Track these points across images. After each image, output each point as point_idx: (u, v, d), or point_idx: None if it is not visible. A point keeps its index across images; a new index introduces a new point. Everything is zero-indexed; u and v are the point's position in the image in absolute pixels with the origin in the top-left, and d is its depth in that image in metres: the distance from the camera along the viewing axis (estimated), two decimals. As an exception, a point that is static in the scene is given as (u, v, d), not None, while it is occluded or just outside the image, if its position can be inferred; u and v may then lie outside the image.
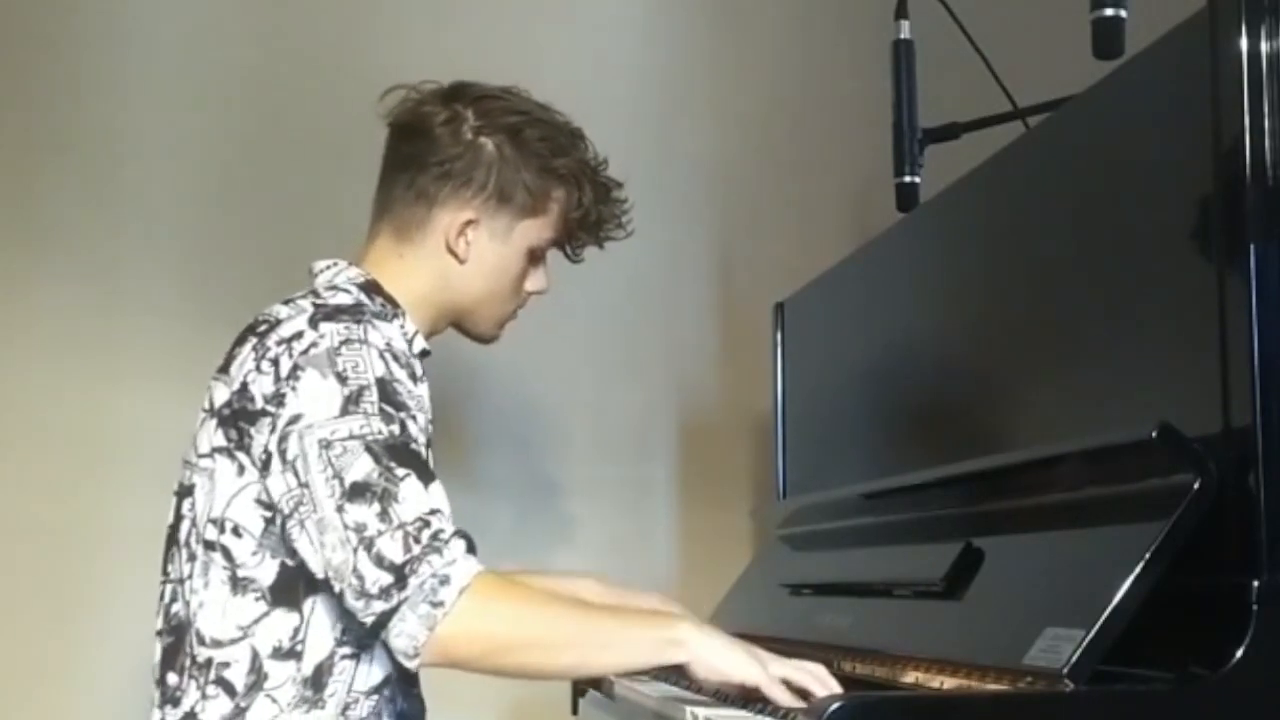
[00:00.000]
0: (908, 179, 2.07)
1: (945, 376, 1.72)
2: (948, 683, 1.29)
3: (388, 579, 1.31)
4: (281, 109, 2.51)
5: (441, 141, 1.58)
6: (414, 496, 1.34)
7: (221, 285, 2.35)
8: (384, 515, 1.33)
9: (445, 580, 1.31)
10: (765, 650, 1.41)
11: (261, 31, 2.53)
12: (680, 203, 2.67)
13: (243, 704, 1.40)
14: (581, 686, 1.94)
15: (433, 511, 1.35)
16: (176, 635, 1.45)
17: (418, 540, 1.32)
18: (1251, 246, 1.16)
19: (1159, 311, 1.29)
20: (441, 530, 1.34)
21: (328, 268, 1.58)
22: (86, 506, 2.37)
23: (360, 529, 1.32)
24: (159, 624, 1.48)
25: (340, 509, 1.34)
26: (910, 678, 1.36)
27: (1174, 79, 1.29)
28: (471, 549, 1.36)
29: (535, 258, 1.65)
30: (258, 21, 2.53)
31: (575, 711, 1.98)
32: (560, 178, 1.61)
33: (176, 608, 1.46)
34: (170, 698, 1.44)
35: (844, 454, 2.03)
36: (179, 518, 1.49)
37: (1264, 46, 1.18)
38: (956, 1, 2.06)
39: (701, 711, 1.41)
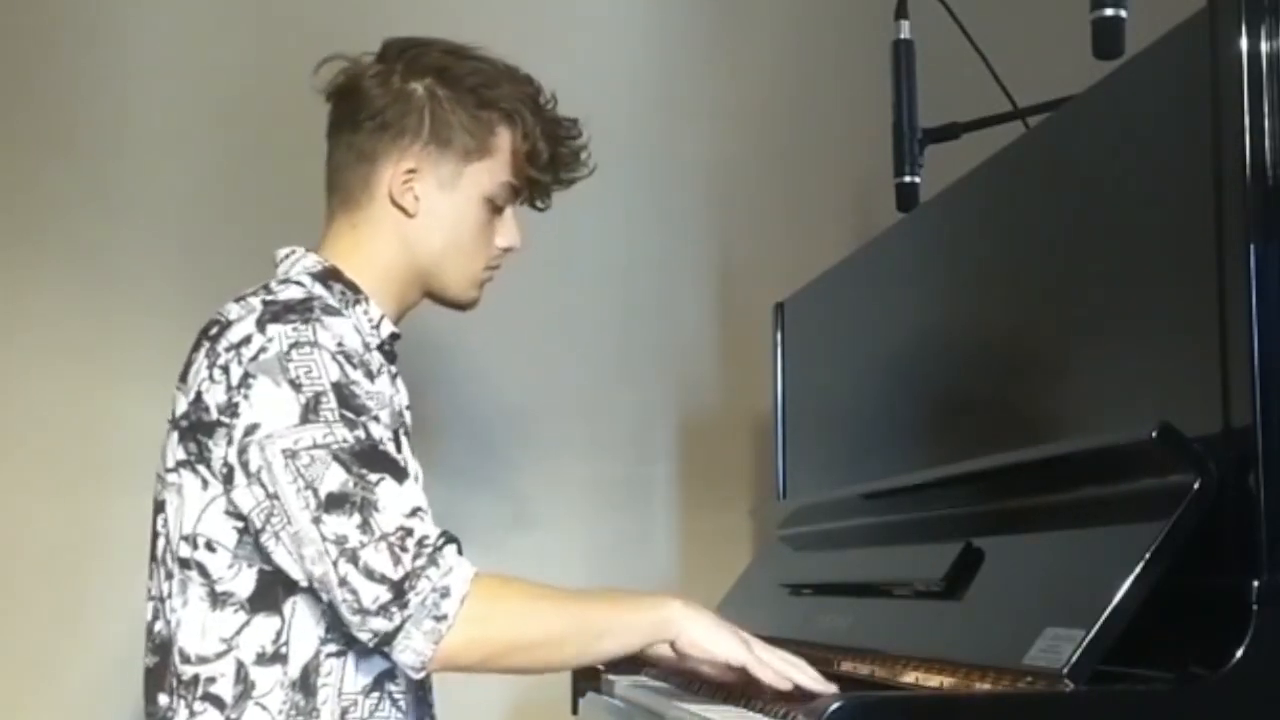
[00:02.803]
0: (908, 179, 2.07)
1: (945, 377, 1.72)
2: (948, 683, 1.28)
3: (386, 595, 1.29)
4: (283, 110, 2.50)
5: (370, 94, 1.51)
6: (393, 501, 1.32)
7: (222, 288, 2.32)
8: (365, 526, 1.30)
9: (446, 593, 1.30)
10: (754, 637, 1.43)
11: (261, 32, 2.53)
12: (680, 202, 2.67)
13: (233, 715, 1.37)
14: (582, 686, 1.94)
15: (413, 512, 1.33)
16: (161, 654, 1.43)
17: (404, 549, 1.30)
18: (1251, 246, 1.16)
19: (1159, 312, 1.29)
20: (426, 536, 1.32)
21: (287, 256, 1.53)
22: (85, 510, 2.36)
23: (341, 541, 1.30)
24: (145, 643, 1.46)
25: (318, 520, 1.31)
26: (910, 678, 1.36)
27: (1174, 79, 1.29)
28: (459, 550, 1.35)
29: (495, 208, 1.55)
30: (258, 22, 2.53)
31: (575, 711, 1.98)
32: (500, 111, 1.53)
33: (159, 626, 1.43)
34: (161, 719, 1.41)
35: (844, 454, 2.03)
36: (155, 534, 1.46)
37: (1264, 46, 1.18)
38: (956, 1, 2.06)
39: (701, 710, 1.41)
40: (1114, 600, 1.14)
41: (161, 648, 1.43)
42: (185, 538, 1.40)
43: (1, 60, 2.43)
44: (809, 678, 1.38)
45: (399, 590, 1.29)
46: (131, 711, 1.50)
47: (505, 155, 1.54)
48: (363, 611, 1.30)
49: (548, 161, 1.56)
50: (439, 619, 1.29)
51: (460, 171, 1.52)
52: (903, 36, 2.09)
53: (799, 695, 1.35)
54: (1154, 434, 1.16)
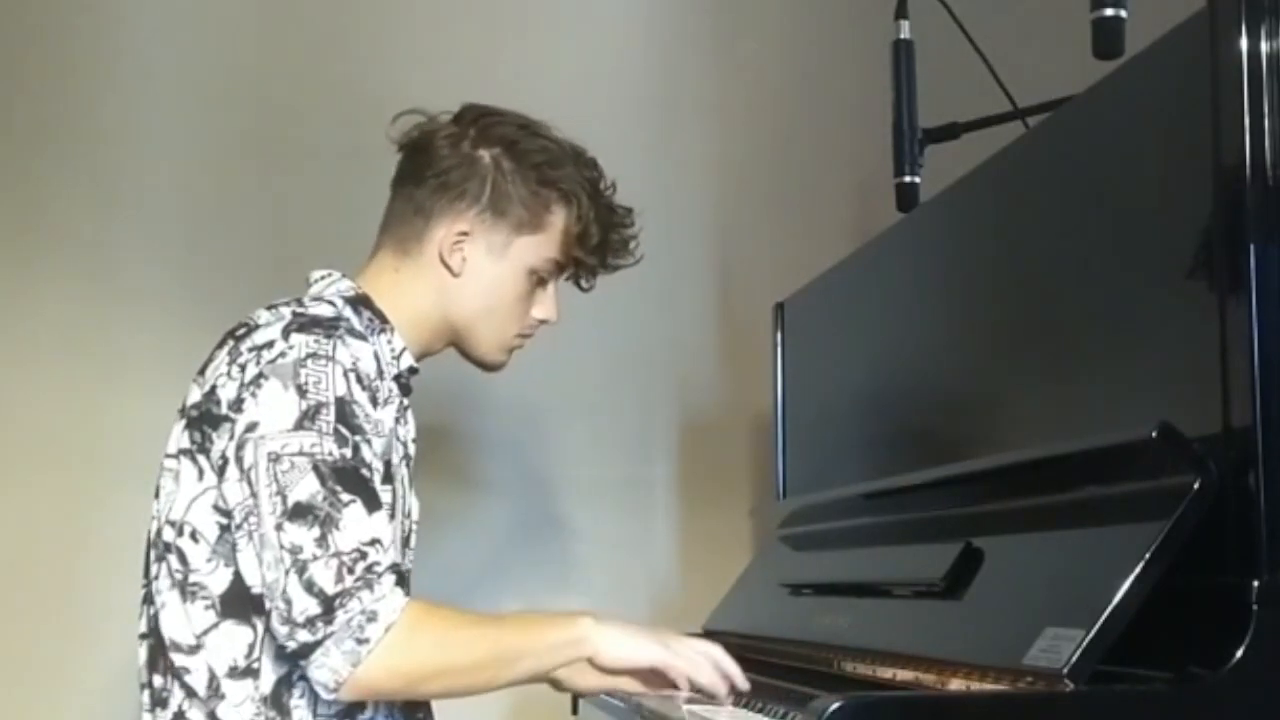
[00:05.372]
0: (908, 179, 2.07)
1: (945, 376, 1.72)
2: (948, 683, 1.29)
3: (315, 610, 1.30)
4: (282, 111, 2.51)
5: (439, 154, 1.56)
6: (355, 525, 1.34)
7: (222, 288, 2.35)
8: (322, 541, 1.32)
9: (373, 617, 1.31)
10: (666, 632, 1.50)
11: (261, 33, 2.53)
12: (680, 202, 2.67)
13: (208, 705, 1.40)
14: (582, 686, 1.93)
15: (372, 541, 1.34)
16: (155, 637, 1.45)
17: (351, 571, 1.31)
18: (1251, 246, 1.16)
19: (1159, 312, 1.29)
20: (376, 563, 1.33)
21: (321, 278, 1.56)
22: (85, 510, 2.36)
23: (296, 551, 1.32)
24: (141, 627, 1.48)
25: (279, 527, 1.33)
26: (910, 678, 1.36)
27: (1174, 79, 1.29)
28: (400, 582, 1.36)
29: (540, 281, 1.60)
30: (258, 23, 2.53)
31: (575, 711, 1.98)
32: (559, 191, 1.57)
33: (151, 609, 1.46)
34: (158, 699, 1.44)
35: (844, 454, 2.03)
36: (152, 518, 1.49)
37: (1264, 46, 1.18)
38: (956, 1, 2.06)
39: (701, 711, 1.41)
40: (1114, 600, 1.14)
41: (155, 630, 1.45)
42: (171, 523, 1.43)
43: (2, 61, 2.43)
44: (723, 667, 1.46)
45: (329, 606, 1.31)
46: (133, 710, 1.50)
47: (557, 233, 1.59)
48: (290, 622, 1.32)
49: (596, 245, 1.61)
50: (361, 642, 1.31)
51: (510, 242, 1.57)
52: (903, 36, 2.09)
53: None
54: (1154, 434, 1.16)
